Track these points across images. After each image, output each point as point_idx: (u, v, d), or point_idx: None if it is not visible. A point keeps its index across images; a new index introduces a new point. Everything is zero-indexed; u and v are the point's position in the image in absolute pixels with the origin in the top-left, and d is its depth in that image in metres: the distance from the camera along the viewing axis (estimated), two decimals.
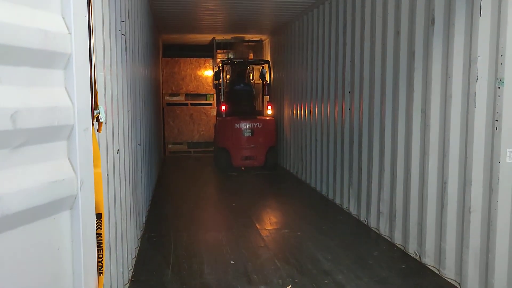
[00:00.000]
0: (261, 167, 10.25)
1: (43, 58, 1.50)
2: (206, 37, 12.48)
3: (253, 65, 12.07)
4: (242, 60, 11.68)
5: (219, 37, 12.38)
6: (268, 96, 11.25)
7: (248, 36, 12.55)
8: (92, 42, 1.86)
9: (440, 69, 4.36)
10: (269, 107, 11.03)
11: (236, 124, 10.09)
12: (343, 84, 6.83)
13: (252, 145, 10.15)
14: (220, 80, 11.05)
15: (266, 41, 12.63)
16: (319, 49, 7.96)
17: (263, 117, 10.62)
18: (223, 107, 10.65)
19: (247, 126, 10.10)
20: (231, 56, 12.90)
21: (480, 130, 3.81)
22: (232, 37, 12.51)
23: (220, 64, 11.20)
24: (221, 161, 10.29)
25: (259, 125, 10.17)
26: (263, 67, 11.41)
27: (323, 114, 7.78)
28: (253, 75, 12.17)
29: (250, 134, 10.12)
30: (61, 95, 1.58)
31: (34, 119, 1.45)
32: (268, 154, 10.26)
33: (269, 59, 11.71)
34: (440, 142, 4.40)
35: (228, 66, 11.60)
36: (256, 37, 12.73)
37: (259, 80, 11.81)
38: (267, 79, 11.11)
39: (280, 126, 11.05)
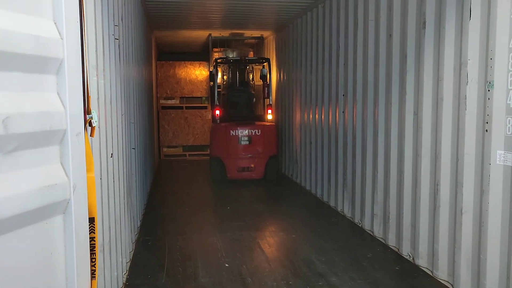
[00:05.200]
0: (260, 179, 9.16)
1: (35, 64, 1.52)
2: (202, 34, 11.58)
3: (253, 64, 10.85)
4: (239, 58, 10.42)
5: (215, 34, 11.30)
6: (268, 99, 10.06)
7: (248, 33, 11.49)
8: (85, 47, 1.87)
9: (432, 72, 4.40)
10: (269, 111, 9.82)
11: (231, 131, 9.00)
12: (337, 87, 6.86)
13: (249, 155, 9.07)
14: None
15: (270, 38, 11.73)
16: (313, 52, 7.99)
17: (262, 123, 9.45)
18: (217, 112, 9.54)
19: (244, 133, 8.99)
20: (229, 54, 11.74)
21: (471, 132, 3.84)
22: (230, 34, 11.38)
23: (215, 64, 10.06)
24: (215, 172, 9.25)
25: (258, 132, 9.04)
26: (263, 66, 10.28)
27: (317, 116, 7.81)
28: (253, 75, 11.02)
29: (247, 142, 9.01)
30: (53, 100, 1.59)
31: (27, 124, 1.46)
32: (268, 164, 9.13)
33: (269, 58, 10.67)
34: (432, 144, 4.44)
35: (224, 66, 10.61)
36: (257, 34, 11.64)
37: (260, 81, 10.73)
38: (268, 79, 9.99)
39: (279, 130, 10.50)
